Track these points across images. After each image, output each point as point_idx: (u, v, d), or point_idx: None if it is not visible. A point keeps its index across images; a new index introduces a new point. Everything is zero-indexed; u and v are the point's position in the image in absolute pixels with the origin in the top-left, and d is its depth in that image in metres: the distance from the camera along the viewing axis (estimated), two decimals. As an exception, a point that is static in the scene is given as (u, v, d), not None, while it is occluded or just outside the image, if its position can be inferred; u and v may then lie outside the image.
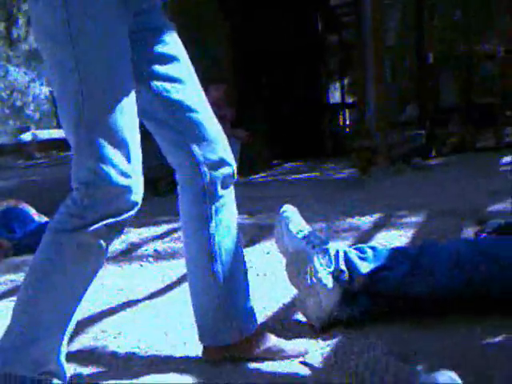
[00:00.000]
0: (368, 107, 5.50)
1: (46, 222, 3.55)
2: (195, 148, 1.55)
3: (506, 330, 1.71)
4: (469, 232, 2.76)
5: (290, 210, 1.90)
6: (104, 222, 1.35)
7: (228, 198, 1.63)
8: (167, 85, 1.51)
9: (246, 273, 1.69)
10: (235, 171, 1.64)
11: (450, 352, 1.63)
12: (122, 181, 1.35)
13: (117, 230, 1.38)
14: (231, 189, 1.64)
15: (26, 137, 16.45)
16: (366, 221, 3.42)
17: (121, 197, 1.35)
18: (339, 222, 3.43)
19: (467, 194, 3.94)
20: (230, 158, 1.63)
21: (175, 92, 1.51)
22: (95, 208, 1.35)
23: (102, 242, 1.37)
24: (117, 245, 3.44)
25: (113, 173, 1.33)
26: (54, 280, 1.38)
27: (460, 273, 1.78)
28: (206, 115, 1.57)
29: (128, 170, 1.36)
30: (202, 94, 1.59)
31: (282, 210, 1.92)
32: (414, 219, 3.34)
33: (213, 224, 1.59)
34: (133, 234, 3.66)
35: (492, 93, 6.63)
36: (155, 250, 3.16)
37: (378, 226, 3.28)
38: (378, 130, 5.40)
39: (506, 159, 5.62)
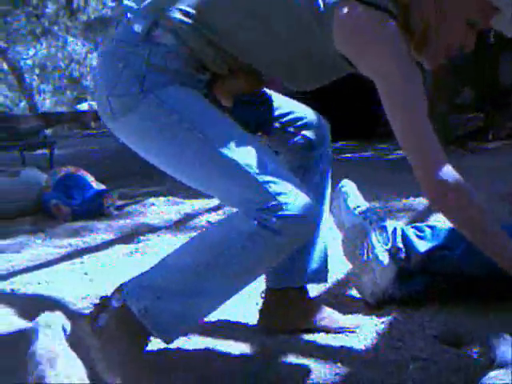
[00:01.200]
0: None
1: (104, 190, 3.64)
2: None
3: None
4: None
5: (348, 185, 1.90)
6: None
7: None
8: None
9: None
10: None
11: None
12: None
13: None
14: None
15: (83, 107, 16.78)
16: (420, 202, 3.37)
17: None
18: (393, 203, 3.39)
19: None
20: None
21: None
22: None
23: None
24: (172, 215, 3.51)
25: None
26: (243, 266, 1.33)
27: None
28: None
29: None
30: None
31: (340, 184, 1.91)
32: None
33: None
34: (186, 206, 3.72)
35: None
36: (208, 221, 3.21)
37: (431, 209, 3.23)
38: (433, 112, 5.28)
39: None
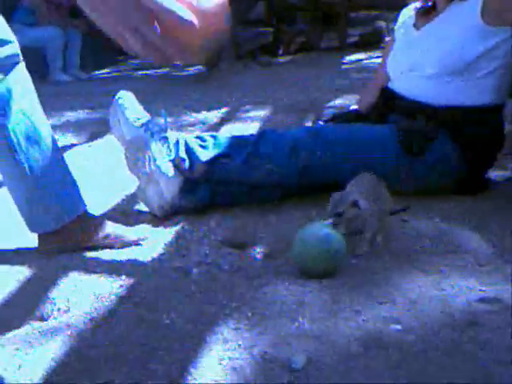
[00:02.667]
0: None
1: None
2: None
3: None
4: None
5: (125, 97, 1.83)
6: None
7: (14, 79, 1.51)
8: None
9: (60, 160, 1.63)
10: (17, 47, 1.52)
11: (288, 236, 1.70)
12: None
13: None
14: (19, 67, 1.52)
15: None
16: (212, 115, 3.41)
17: None
18: (185, 117, 3.39)
19: (311, 90, 4.05)
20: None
21: None
22: None
23: None
24: None
25: None
26: None
27: (297, 160, 1.84)
28: None
29: None
30: None
31: (116, 96, 1.84)
32: (258, 113, 3.39)
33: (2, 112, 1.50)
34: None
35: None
36: None
37: (224, 120, 3.29)
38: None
39: (349, 58, 5.82)
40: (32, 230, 1.63)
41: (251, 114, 3.41)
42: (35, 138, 1.53)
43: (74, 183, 1.64)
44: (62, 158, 1.64)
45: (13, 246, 1.70)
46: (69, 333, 1.27)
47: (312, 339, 1.22)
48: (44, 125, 1.57)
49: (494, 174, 2.10)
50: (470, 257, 1.57)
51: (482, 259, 1.56)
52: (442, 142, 1.87)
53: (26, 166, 1.52)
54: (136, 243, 1.66)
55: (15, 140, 1.51)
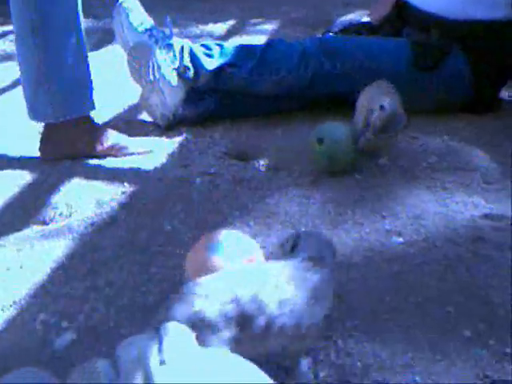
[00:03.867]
0: None
1: None
2: None
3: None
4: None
5: (130, 1, 1.76)
6: None
7: None
8: None
9: (81, 53, 1.57)
10: None
11: (294, 148, 1.68)
12: None
13: None
14: None
15: None
16: (219, 28, 3.31)
17: None
18: (191, 29, 3.29)
19: (321, 4, 3.92)
20: None
21: None
22: None
23: None
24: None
25: None
26: None
27: (305, 70, 1.78)
28: None
29: None
30: None
31: (120, 0, 1.76)
32: (266, 27, 3.29)
33: None
34: None
35: None
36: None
37: (231, 33, 3.20)
38: None
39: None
40: (33, 117, 1.60)
41: (258, 27, 3.31)
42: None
43: (88, 82, 1.59)
44: (85, 54, 1.59)
45: (16, 154, 1.68)
46: (70, 236, 1.27)
47: (314, 249, 1.21)
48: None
49: (507, 93, 2.05)
50: (477, 175, 1.55)
51: (490, 177, 1.54)
52: (455, 57, 1.80)
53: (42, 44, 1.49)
54: (140, 153, 1.64)
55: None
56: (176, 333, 0.55)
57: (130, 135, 1.72)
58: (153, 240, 1.25)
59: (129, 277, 1.13)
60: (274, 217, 1.33)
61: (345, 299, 1.06)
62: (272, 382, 0.52)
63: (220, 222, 1.31)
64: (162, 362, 0.51)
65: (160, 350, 0.52)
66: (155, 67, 1.71)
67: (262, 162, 1.64)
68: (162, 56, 1.73)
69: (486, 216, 1.33)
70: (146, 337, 0.54)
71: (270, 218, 1.32)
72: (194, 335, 0.55)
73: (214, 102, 1.82)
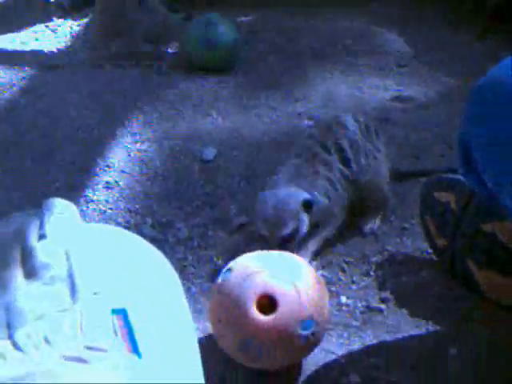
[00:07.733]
0: None
1: None
2: None
3: None
4: None
5: None
6: None
7: None
8: None
9: None
10: None
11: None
12: None
13: None
14: None
15: None
16: None
17: None
18: None
19: None
20: None
21: None
22: None
23: None
24: None
25: None
26: None
27: None
28: None
29: None
30: None
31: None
32: None
33: None
34: None
35: None
36: None
37: None
38: None
39: None
40: None
41: None
42: None
43: None
44: None
45: None
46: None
47: (224, 133, 1.20)
48: None
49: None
50: (390, 58, 1.55)
51: (402, 60, 1.54)
52: None
53: None
54: None
55: None
56: (59, 208, 0.53)
57: (32, 16, 1.61)
58: (55, 126, 1.19)
59: (34, 162, 1.09)
60: (186, 103, 1.29)
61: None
62: (159, 253, 0.52)
63: (126, 106, 1.27)
64: (42, 236, 0.48)
65: (42, 224, 0.50)
66: None
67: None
68: None
69: (395, 98, 1.34)
70: (28, 213, 0.52)
71: (182, 105, 1.29)
72: (77, 210, 0.53)
73: None
